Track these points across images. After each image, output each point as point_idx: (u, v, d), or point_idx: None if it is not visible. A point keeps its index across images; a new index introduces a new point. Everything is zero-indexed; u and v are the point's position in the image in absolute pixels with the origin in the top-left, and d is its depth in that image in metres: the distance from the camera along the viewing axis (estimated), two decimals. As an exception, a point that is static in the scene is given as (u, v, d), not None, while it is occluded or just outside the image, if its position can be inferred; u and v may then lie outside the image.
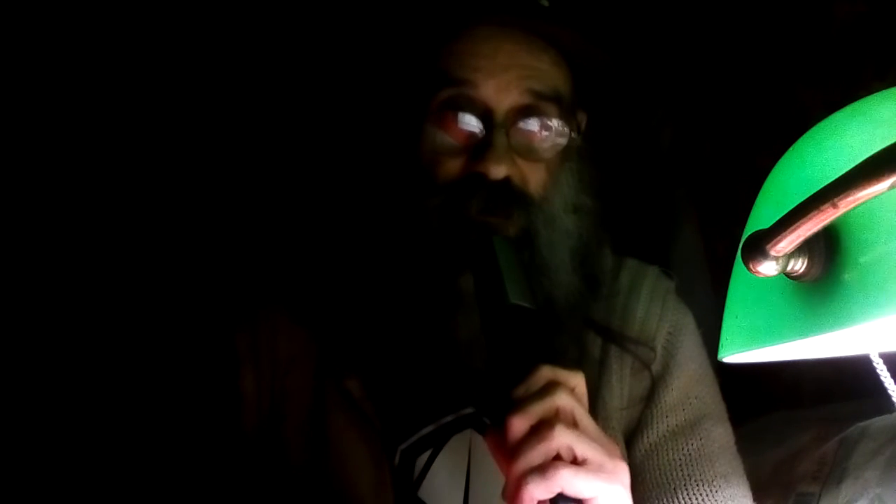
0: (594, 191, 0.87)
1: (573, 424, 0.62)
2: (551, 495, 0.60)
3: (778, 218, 0.48)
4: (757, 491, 0.86)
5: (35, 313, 1.30)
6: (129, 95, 1.37)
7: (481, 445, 0.79)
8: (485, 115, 0.79)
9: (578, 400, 0.64)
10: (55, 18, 1.34)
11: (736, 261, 0.57)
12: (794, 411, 1.17)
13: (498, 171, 0.78)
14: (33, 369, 1.27)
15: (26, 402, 1.25)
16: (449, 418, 0.81)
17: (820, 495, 0.93)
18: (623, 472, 0.63)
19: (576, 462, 0.61)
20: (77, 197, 1.35)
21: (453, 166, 0.80)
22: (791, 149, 0.57)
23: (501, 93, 0.79)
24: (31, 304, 1.30)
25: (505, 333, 0.70)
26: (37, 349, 1.28)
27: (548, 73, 0.82)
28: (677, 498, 0.80)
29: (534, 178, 0.81)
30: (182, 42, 1.38)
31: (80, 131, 1.36)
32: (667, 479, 0.81)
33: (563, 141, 0.82)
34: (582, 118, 0.88)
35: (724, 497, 0.81)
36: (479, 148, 0.79)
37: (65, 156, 1.36)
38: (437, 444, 0.81)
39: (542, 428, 0.61)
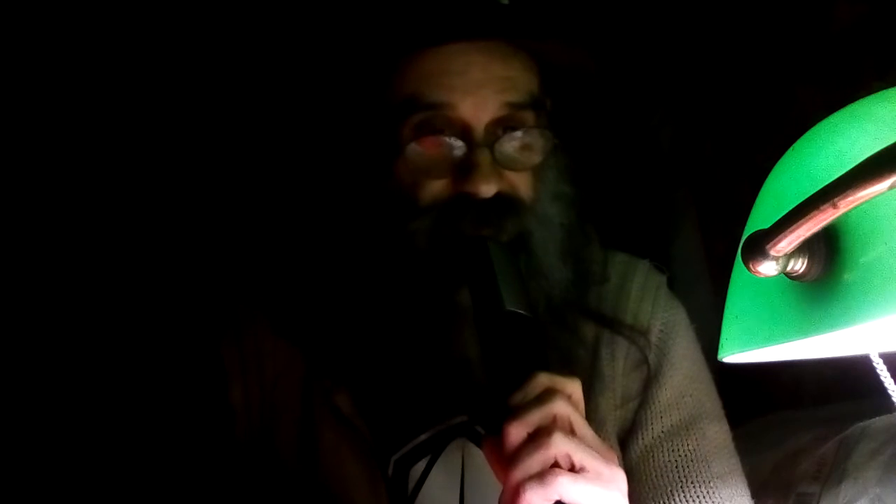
0: (572, 178, 0.85)
1: (571, 432, 0.62)
2: (549, 503, 0.60)
3: (778, 218, 0.48)
4: (757, 491, 0.85)
5: (24, 324, 1.28)
6: (113, 111, 1.36)
7: (475, 454, 0.79)
8: (464, 133, 0.77)
9: (575, 407, 0.64)
10: (55, 18, 1.33)
11: (736, 261, 0.57)
12: (794, 411, 1.17)
13: (488, 189, 0.76)
14: (19, 381, 1.26)
15: (15, 412, 1.24)
16: (442, 427, 0.80)
17: (820, 495, 0.93)
18: (620, 480, 0.63)
19: (573, 469, 0.60)
20: (59, 208, 1.33)
21: (437, 187, 0.78)
22: (791, 149, 0.57)
23: (479, 110, 0.77)
24: (20, 313, 1.29)
25: (501, 340, 0.69)
26: (25, 361, 1.27)
27: (520, 79, 0.79)
28: (674, 500, 0.80)
29: (522, 185, 0.80)
30: (161, 61, 1.37)
31: (60, 143, 1.34)
32: (663, 481, 0.81)
33: (546, 146, 0.80)
34: (548, 103, 0.85)
35: (721, 497, 0.80)
36: (462, 167, 0.77)
37: (52, 164, 1.34)
38: (430, 453, 0.80)
39: (539, 435, 0.61)
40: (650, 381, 0.85)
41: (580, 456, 0.61)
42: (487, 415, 0.78)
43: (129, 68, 1.35)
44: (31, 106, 1.33)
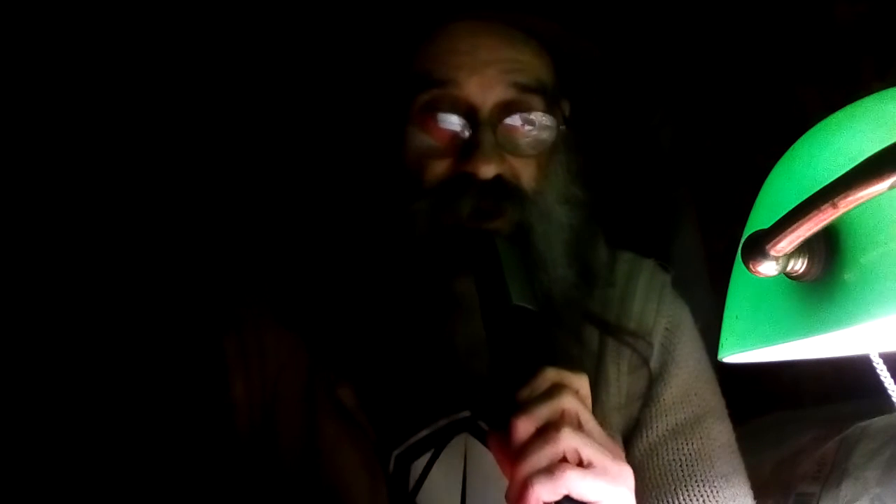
0: (584, 181, 0.86)
1: (578, 427, 0.62)
2: (557, 497, 0.59)
3: (778, 218, 0.48)
4: (757, 491, 0.85)
5: (23, 320, 1.28)
6: (113, 106, 1.36)
7: (477, 449, 0.79)
8: (469, 113, 0.78)
9: (583, 402, 0.64)
10: (55, 18, 1.33)
11: (736, 261, 0.57)
12: (794, 411, 1.17)
13: (487, 170, 0.76)
14: (22, 375, 1.26)
15: (16, 407, 1.24)
16: (444, 422, 0.80)
17: (820, 495, 0.94)
18: (628, 476, 0.63)
19: (581, 465, 0.60)
20: (61, 204, 1.34)
21: (440, 167, 0.79)
22: (791, 149, 0.57)
23: (485, 89, 0.78)
24: (20, 309, 1.29)
25: (508, 335, 0.69)
26: (26, 356, 1.27)
27: (530, 64, 0.80)
28: (678, 498, 0.80)
29: (525, 172, 0.80)
30: (166, 56, 1.37)
31: (66, 137, 1.35)
32: (667, 480, 0.81)
33: (550, 134, 0.81)
34: (565, 106, 0.86)
35: (724, 497, 0.80)
36: (466, 148, 0.78)
37: (54, 161, 1.35)
38: (432, 448, 0.80)
39: (548, 430, 0.61)
40: (655, 380, 0.85)
41: (588, 451, 0.61)
42: (493, 409, 0.78)
43: (137, 62, 1.36)
44: (58, 106, 1.33)
